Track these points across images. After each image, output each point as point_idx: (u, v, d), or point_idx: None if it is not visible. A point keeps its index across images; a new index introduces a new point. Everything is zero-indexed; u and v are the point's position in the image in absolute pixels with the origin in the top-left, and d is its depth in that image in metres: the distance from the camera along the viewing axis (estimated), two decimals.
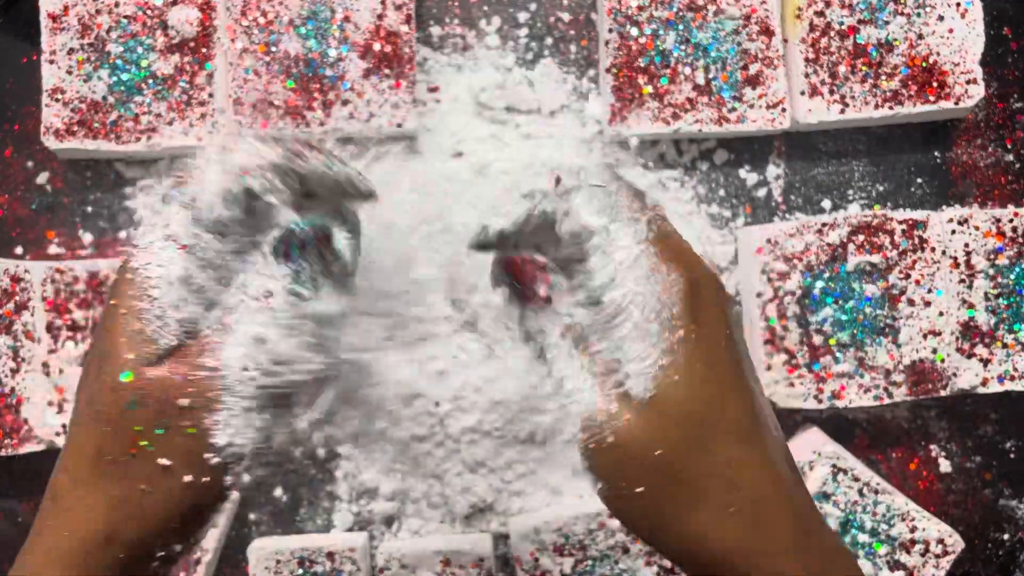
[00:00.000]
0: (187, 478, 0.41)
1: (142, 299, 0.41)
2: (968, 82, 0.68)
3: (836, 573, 0.44)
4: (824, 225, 0.66)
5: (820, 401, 0.66)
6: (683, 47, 0.68)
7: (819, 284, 0.66)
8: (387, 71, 0.67)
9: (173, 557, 0.43)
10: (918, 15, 0.68)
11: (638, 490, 0.42)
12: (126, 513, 0.41)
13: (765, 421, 0.44)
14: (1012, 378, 0.67)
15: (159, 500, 0.41)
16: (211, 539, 0.68)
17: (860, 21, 0.68)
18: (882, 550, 0.67)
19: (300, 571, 0.67)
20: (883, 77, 0.68)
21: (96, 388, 0.41)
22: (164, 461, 0.41)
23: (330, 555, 0.67)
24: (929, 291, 0.66)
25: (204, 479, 0.41)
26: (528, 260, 0.47)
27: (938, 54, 0.68)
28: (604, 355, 0.42)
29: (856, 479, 0.67)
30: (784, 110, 0.68)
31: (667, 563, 0.67)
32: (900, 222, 0.66)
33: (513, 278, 0.47)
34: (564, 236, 0.43)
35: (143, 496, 0.41)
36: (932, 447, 0.72)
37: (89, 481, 0.41)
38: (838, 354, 0.66)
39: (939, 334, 0.66)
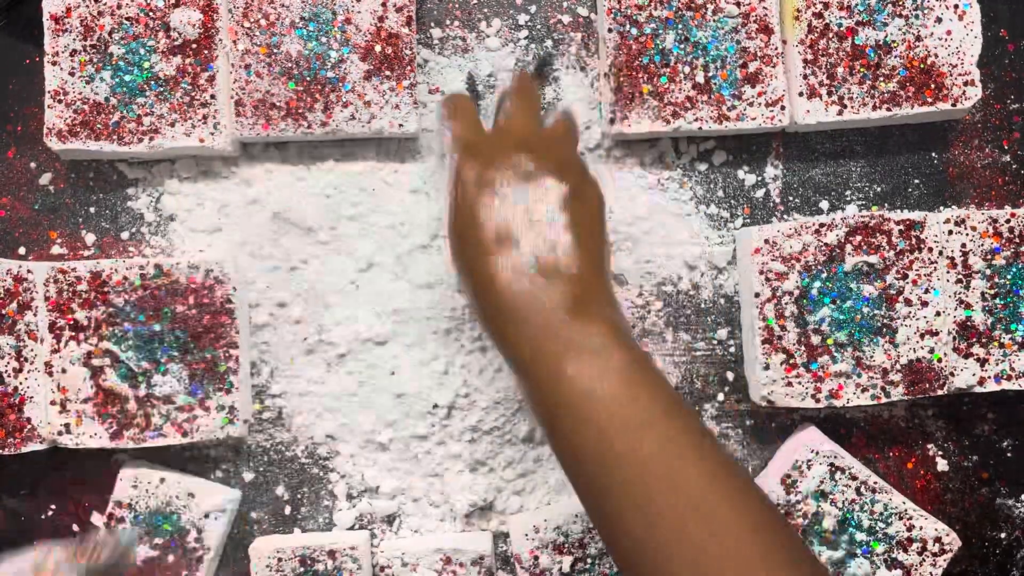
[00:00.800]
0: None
1: None
2: (965, 84, 0.68)
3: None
4: (822, 226, 0.67)
5: (818, 400, 0.66)
6: (682, 46, 0.68)
7: (817, 284, 0.67)
8: (388, 73, 0.67)
9: None
10: (916, 17, 0.68)
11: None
12: None
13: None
14: (1009, 377, 0.67)
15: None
16: (213, 537, 0.68)
17: (858, 23, 0.68)
18: (879, 548, 0.68)
19: (301, 569, 0.68)
20: (881, 78, 0.68)
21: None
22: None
23: (331, 553, 0.68)
24: (926, 291, 0.67)
25: None
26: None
27: (936, 56, 0.68)
28: None
29: (854, 478, 0.67)
30: (783, 108, 0.68)
31: None
32: (897, 223, 0.67)
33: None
34: None
35: None
36: (929, 446, 0.72)
37: None
38: (836, 354, 0.66)
39: (936, 334, 0.67)
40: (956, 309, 0.67)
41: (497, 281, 0.54)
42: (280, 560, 0.68)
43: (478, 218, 0.56)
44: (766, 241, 0.67)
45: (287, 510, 0.71)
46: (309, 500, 0.71)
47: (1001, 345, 0.67)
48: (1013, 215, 0.68)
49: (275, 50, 0.67)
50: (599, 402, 0.51)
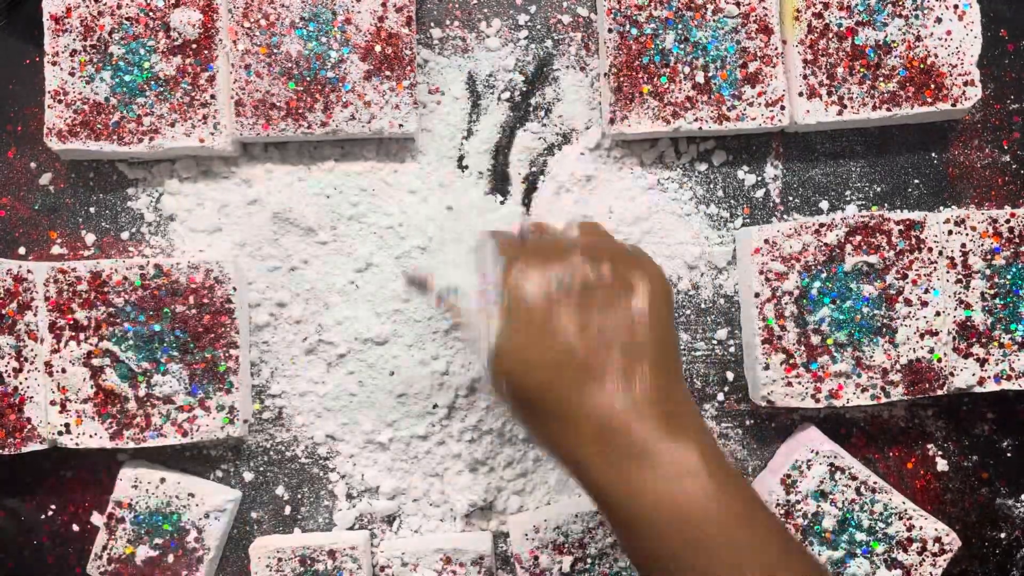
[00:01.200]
0: None
1: None
2: (965, 84, 0.68)
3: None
4: (822, 226, 0.67)
5: (818, 400, 0.66)
6: (682, 46, 0.68)
7: (817, 284, 0.67)
8: (388, 73, 0.67)
9: None
10: (916, 17, 0.68)
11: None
12: None
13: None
14: (1008, 377, 0.67)
15: None
16: (213, 537, 0.68)
17: (858, 23, 0.68)
18: (879, 548, 0.68)
19: (301, 569, 0.68)
20: (881, 79, 0.68)
21: None
22: None
23: (331, 553, 0.68)
24: (926, 291, 0.67)
25: None
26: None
27: (936, 56, 0.68)
28: None
29: (854, 478, 0.67)
30: (783, 108, 0.68)
31: None
32: (897, 223, 0.67)
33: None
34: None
35: None
36: (929, 446, 0.72)
37: None
38: (836, 354, 0.66)
39: (936, 334, 0.67)
40: (956, 309, 0.67)
41: (583, 407, 0.50)
42: (280, 560, 0.68)
43: (546, 336, 0.51)
44: (766, 241, 0.67)
45: (287, 510, 0.71)
46: (309, 500, 0.71)
47: (1001, 345, 0.67)
48: (1013, 215, 0.68)
49: (275, 50, 0.67)
50: (700, 528, 0.48)
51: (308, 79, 0.67)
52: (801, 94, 0.68)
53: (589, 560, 0.69)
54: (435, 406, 0.70)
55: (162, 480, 0.68)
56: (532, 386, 0.51)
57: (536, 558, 0.69)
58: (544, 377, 0.51)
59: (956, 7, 0.68)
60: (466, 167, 0.71)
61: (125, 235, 0.71)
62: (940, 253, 0.67)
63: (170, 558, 0.68)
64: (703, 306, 0.71)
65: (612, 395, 0.50)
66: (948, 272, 0.67)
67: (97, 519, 0.70)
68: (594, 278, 0.52)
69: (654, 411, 0.50)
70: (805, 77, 0.68)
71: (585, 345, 0.51)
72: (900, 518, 0.68)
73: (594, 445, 0.49)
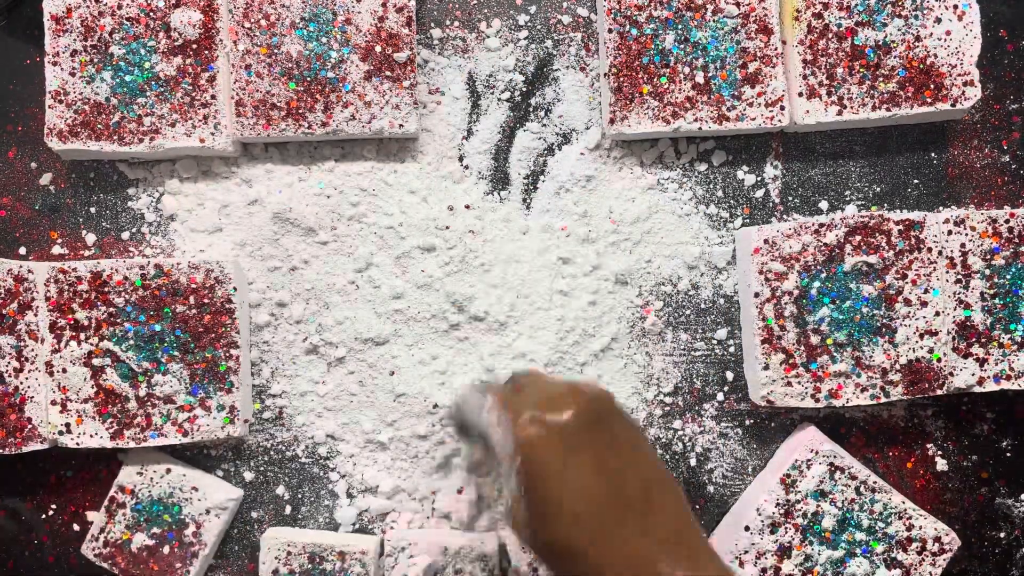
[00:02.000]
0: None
1: None
2: (965, 84, 0.68)
3: None
4: (821, 226, 0.67)
5: (817, 400, 0.67)
6: (682, 46, 0.68)
7: (816, 284, 0.67)
8: (388, 73, 0.67)
9: None
10: (915, 17, 0.68)
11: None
12: None
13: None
14: (1008, 377, 0.67)
15: None
16: (211, 534, 0.68)
17: (858, 23, 0.68)
18: (879, 548, 0.68)
19: (309, 566, 0.68)
20: (880, 79, 0.68)
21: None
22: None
23: (341, 555, 0.68)
24: (926, 291, 0.67)
25: None
26: None
27: (935, 56, 0.68)
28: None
29: (853, 477, 0.67)
30: (783, 108, 0.68)
31: None
32: (897, 223, 0.67)
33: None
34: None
35: None
36: (929, 446, 0.72)
37: None
38: (835, 354, 0.67)
39: (935, 334, 0.67)
40: (955, 309, 0.67)
41: (610, 554, 0.49)
42: (289, 553, 0.68)
43: (566, 496, 0.50)
44: (766, 241, 0.67)
45: (287, 509, 0.71)
46: (309, 500, 0.71)
47: (1000, 345, 0.67)
48: (1012, 215, 0.68)
49: (275, 50, 0.67)
50: None
51: (308, 79, 0.67)
52: (801, 94, 0.68)
53: None
54: (435, 406, 0.70)
55: (168, 471, 0.68)
56: (558, 538, 0.50)
57: (535, 570, 0.69)
58: (565, 530, 0.50)
59: (956, 7, 0.68)
60: (467, 167, 0.71)
61: (126, 235, 0.71)
62: (940, 253, 0.67)
63: (165, 549, 0.68)
64: (703, 306, 0.71)
65: (635, 540, 0.49)
66: (947, 272, 0.67)
67: (96, 517, 0.70)
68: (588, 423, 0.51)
69: (679, 551, 0.49)
70: (805, 77, 0.68)
71: (601, 493, 0.50)
72: (900, 518, 0.68)
73: None
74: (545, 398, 0.52)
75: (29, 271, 0.66)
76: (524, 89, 0.72)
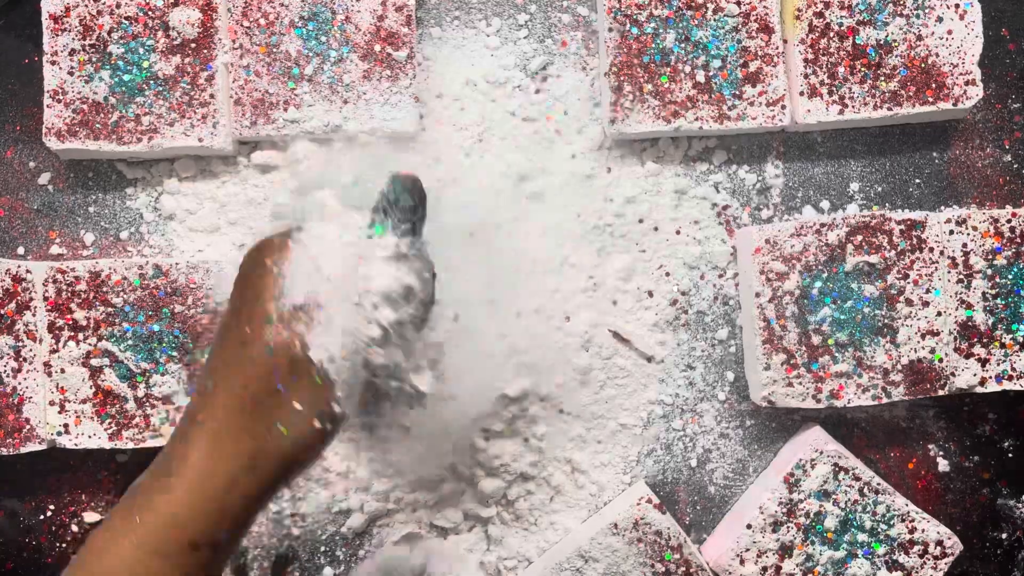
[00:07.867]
0: (315, 423, 0.49)
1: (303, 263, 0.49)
2: (967, 83, 0.68)
3: None
4: (823, 225, 0.67)
5: (819, 401, 0.66)
6: (683, 45, 0.68)
7: (818, 284, 0.66)
8: (387, 72, 0.67)
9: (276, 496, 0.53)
10: (917, 16, 0.68)
11: None
12: (265, 447, 0.49)
13: None
14: (1010, 378, 0.67)
15: (290, 438, 0.49)
16: None
17: (859, 22, 0.68)
18: (881, 550, 0.67)
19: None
20: (882, 78, 0.68)
21: (248, 335, 0.49)
22: (297, 405, 0.49)
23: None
24: (927, 291, 0.67)
25: (327, 426, 0.49)
26: None
27: (937, 55, 0.68)
28: None
29: (857, 478, 0.67)
30: (784, 107, 0.68)
31: (661, 568, 0.68)
32: (898, 222, 0.67)
33: None
34: None
35: (279, 436, 0.49)
36: (930, 447, 0.72)
37: (237, 423, 0.49)
38: (836, 354, 0.66)
39: (937, 334, 0.67)
40: (957, 309, 0.67)
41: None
42: None
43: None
44: (767, 241, 0.67)
45: (287, 509, 0.71)
46: (309, 500, 0.71)
47: (1002, 345, 0.67)
48: (1014, 215, 0.68)
49: (274, 49, 0.67)
50: None
51: (308, 78, 0.67)
52: (802, 93, 0.68)
53: None
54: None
55: None
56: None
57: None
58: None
59: (957, 6, 0.68)
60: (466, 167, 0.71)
61: (124, 235, 0.70)
62: (941, 253, 0.67)
63: None
64: (704, 306, 0.71)
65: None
66: (949, 272, 0.67)
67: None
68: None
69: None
70: (806, 76, 0.68)
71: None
72: (902, 520, 0.68)
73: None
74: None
75: (27, 271, 0.66)
76: (524, 89, 0.71)
